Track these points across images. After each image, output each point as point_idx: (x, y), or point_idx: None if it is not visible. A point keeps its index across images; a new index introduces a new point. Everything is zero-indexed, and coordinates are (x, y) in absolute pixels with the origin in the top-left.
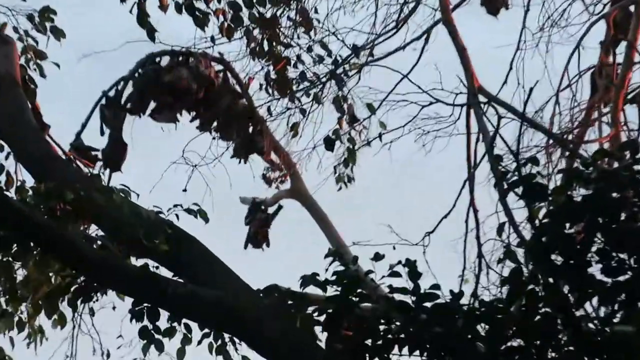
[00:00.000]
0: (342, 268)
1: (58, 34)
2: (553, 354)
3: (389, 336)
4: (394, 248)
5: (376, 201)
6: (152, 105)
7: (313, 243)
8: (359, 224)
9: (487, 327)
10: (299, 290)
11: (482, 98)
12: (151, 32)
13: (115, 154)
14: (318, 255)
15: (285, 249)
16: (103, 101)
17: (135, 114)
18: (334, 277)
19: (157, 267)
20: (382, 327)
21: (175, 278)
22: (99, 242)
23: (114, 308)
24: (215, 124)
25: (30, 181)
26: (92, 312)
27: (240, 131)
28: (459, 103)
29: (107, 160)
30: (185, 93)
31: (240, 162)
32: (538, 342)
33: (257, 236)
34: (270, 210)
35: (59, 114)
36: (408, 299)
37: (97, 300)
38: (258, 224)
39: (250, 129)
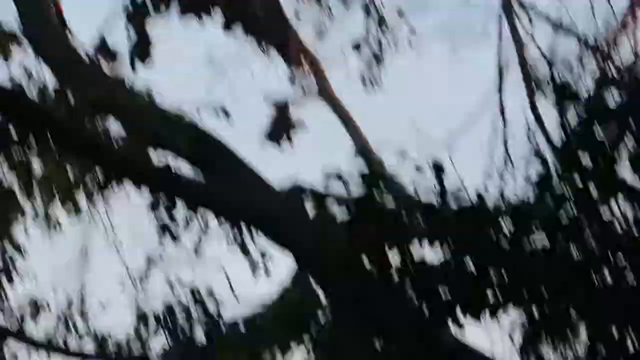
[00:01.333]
0: (366, 167)
1: None
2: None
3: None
4: (419, 148)
5: (403, 104)
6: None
7: (337, 144)
8: (385, 125)
9: (512, 226)
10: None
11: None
12: None
13: (143, 45)
14: (342, 156)
15: (309, 149)
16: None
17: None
18: (358, 176)
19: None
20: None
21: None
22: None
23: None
24: (242, 23)
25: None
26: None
27: (270, 31)
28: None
29: (134, 52)
30: None
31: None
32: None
33: (279, 130)
34: (294, 111)
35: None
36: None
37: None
38: (281, 122)
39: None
